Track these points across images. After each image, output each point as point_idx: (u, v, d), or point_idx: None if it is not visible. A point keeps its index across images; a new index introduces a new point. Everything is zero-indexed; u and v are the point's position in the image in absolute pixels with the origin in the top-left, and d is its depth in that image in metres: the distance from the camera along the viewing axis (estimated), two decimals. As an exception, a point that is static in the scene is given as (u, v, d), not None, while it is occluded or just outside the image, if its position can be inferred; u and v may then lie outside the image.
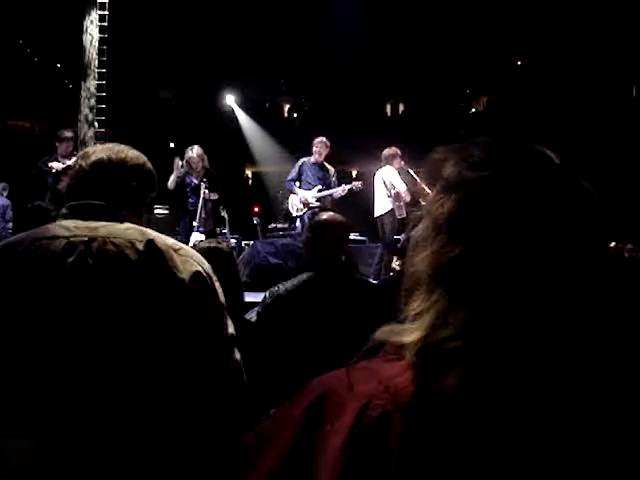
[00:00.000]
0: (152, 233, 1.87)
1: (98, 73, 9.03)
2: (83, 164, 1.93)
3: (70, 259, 1.74)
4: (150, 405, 1.72)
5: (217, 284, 1.91)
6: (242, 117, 14.09)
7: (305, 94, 14.29)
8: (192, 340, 1.79)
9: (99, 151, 1.98)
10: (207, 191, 8.06)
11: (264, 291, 3.20)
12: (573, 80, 11.63)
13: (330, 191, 8.99)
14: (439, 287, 0.86)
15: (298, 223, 9.21)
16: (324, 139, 9.09)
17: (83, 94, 8.98)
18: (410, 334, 0.86)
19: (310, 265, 3.12)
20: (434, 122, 13.83)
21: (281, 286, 3.06)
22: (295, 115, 14.65)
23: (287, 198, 9.39)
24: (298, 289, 3.01)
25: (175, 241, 1.91)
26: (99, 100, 9.06)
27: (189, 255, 1.88)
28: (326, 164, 9.16)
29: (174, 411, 1.76)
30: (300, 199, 9.01)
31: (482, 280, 0.85)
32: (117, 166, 1.93)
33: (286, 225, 10.09)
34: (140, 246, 1.80)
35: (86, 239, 1.78)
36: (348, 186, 9.05)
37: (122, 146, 2.02)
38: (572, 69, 11.54)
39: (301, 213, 9.07)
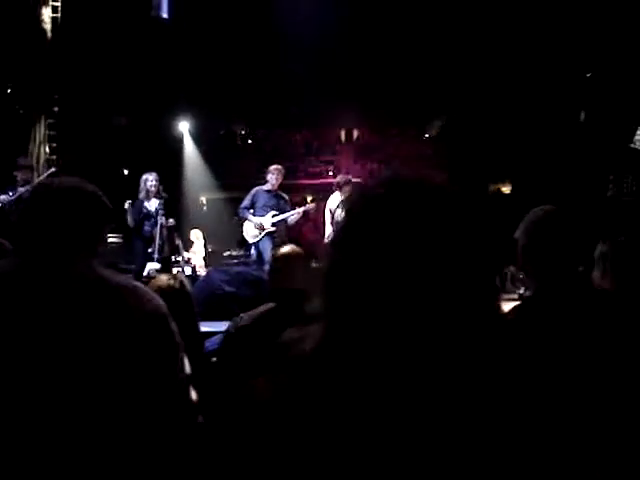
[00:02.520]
0: (104, 272, 1.82)
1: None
2: (36, 196, 1.88)
3: (27, 295, 1.70)
4: (102, 441, 1.68)
5: (172, 323, 1.87)
6: (190, 145, 14.07)
7: (257, 121, 14.31)
8: (147, 380, 1.75)
9: (54, 183, 1.94)
10: (164, 218, 8.00)
11: (219, 320, 3.23)
12: (524, 106, 11.84)
13: (285, 215, 9.01)
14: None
15: (253, 250, 9.18)
16: (279, 166, 9.12)
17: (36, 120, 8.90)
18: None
19: (271, 296, 3.21)
20: (390, 147, 13.99)
21: (244, 316, 3.09)
22: (249, 142, 14.64)
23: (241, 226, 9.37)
24: (259, 320, 3.03)
25: (128, 280, 1.87)
26: (51, 126, 8.96)
27: (142, 294, 1.83)
28: (280, 192, 9.18)
29: (126, 448, 1.71)
30: (255, 225, 8.99)
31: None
32: (72, 198, 1.88)
33: (241, 252, 10.04)
34: (91, 285, 1.76)
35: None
36: (302, 209, 9.08)
37: (77, 179, 1.98)
38: (521, 96, 11.76)
39: (257, 240, 9.04)
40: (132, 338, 1.73)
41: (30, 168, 8.22)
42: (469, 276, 0.93)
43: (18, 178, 7.94)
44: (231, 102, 12.99)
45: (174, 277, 3.02)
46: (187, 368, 1.90)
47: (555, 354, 2.07)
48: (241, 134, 14.49)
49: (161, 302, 1.86)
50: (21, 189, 7.73)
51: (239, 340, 3.02)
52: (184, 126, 13.76)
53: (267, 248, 8.78)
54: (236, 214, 9.41)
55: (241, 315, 3.13)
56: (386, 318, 0.90)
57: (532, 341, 2.04)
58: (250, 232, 9.09)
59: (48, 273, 1.76)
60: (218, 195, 14.10)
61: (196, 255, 10.59)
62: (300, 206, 9.42)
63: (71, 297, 1.73)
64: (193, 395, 1.91)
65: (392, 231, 0.92)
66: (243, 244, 9.56)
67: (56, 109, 9.42)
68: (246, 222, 9.14)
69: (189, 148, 13.98)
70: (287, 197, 9.23)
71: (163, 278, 2.96)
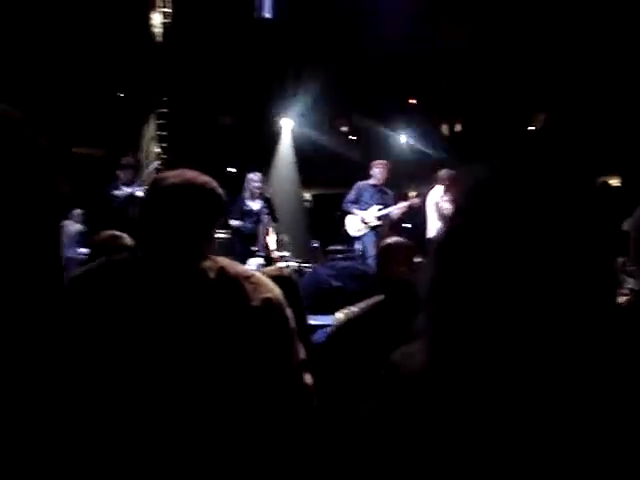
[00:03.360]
0: (223, 261, 1.89)
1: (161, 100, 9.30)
2: (157, 191, 1.96)
3: (151, 286, 1.78)
4: (223, 426, 1.74)
5: (287, 310, 1.92)
6: (293, 142, 14.19)
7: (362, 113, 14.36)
8: (264, 365, 1.81)
9: (172, 177, 2.01)
10: (267, 217, 8.15)
11: (326, 314, 3.23)
12: (632, 98, 11.42)
13: (389, 209, 8.99)
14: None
15: (357, 245, 9.21)
16: (384, 162, 9.13)
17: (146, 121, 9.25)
18: None
19: (380, 288, 3.18)
20: (492, 141, 13.74)
21: (353, 308, 3.10)
22: (355, 137, 14.72)
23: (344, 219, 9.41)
24: (369, 312, 3.04)
25: (245, 268, 1.94)
26: (161, 127, 9.28)
27: (259, 283, 1.90)
28: (384, 187, 9.18)
29: (246, 433, 1.77)
30: (359, 219, 9.02)
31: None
32: (192, 192, 1.95)
33: (345, 247, 10.09)
34: (212, 274, 1.83)
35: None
36: (407, 203, 9.05)
37: (194, 172, 2.05)
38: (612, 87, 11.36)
39: (361, 233, 9.07)
40: (251, 324, 1.80)
41: (133, 167, 8.52)
42: (591, 267, 0.90)
43: (121, 177, 8.26)
44: (334, 98, 13.08)
45: (282, 269, 3.10)
46: (302, 353, 1.95)
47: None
48: (344, 130, 14.58)
49: (277, 290, 1.92)
50: (126, 188, 8.03)
51: (349, 332, 3.04)
52: (287, 123, 13.93)
53: (371, 242, 8.80)
54: (340, 208, 9.46)
55: (350, 307, 3.15)
56: (506, 322, 0.88)
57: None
58: (353, 226, 9.13)
59: (172, 263, 1.85)
60: (322, 191, 14.24)
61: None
62: (404, 200, 9.40)
63: (193, 286, 1.81)
64: (308, 379, 1.96)
65: (512, 222, 0.90)
66: (347, 239, 9.60)
67: (165, 110, 9.75)
68: (349, 216, 9.18)
69: (293, 145, 14.14)
70: (391, 192, 9.23)
71: (272, 269, 3.03)
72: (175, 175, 2.03)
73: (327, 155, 13.99)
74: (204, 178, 2.05)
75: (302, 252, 10.58)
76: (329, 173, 14.02)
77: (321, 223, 12.54)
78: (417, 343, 1.03)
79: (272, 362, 1.83)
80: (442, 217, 8.73)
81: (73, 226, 9.84)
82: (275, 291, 1.91)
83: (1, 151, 1.27)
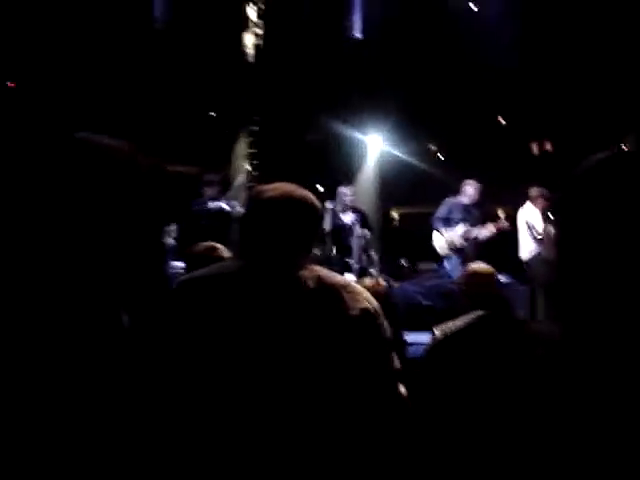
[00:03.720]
0: (321, 271, 1.94)
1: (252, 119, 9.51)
2: (258, 204, 2.03)
3: (253, 294, 1.84)
4: (321, 433, 1.78)
5: (384, 320, 1.95)
6: (380, 160, 14.19)
7: (449, 136, 14.29)
8: (361, 374, 1.84)
9: (271, 190, 2.07)
10: (360, 229, 8.20)
11: (416, 331, 3.26)
12: None
13: (476, 232, 8.90)
14: None
15: (446, 264, 9.15)
16: (474, 182, 9.07)
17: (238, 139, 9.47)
18: None
19: (470, 308, 3.21)
20: (580, 160, 13.41)
21: (450, 324, 3.12)
22: (441, 156, 14.65)
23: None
24: (468, 328, 3.05)
25: (343, 278, 1.98)
26: (252, 144, 9.48)
27: (356, 292, 1.93)
28: (473, 207, 9.11)
29: (342, 440, 1.80)
30: (446, 239, 8.96)
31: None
32: (291, 204, 2.01)
33: (434, 265, 10.02)
34: (311, 284, 1.87)
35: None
36: (495, 227, 8.93)
37: (292, 185, 2.11)
38: None
39: (446, 254, 9.01)
40: (348, 333, 1.83)
41: (218, 183, 8.71)
42: None
43: (207, 193, 8.46)
44: (421, 117, 13.07)
45: (378, 282, 3.12)
46: (397, 364, 1.97)
47: None
48: (433, 149, 14.54)
49: (373, 300, 1.95)
50: (211, 204, 8.22)
51: (448, 347, 3.06)
52: (375, 141, 13.96)
53: (456, 264, 8.74)
54: (430, 223, 9.41)
55: (447, 323, 3.17)
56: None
57: None
58: (440, 244, 9.07)
59: (272, 273, 1.90)
60: (409, 210, 14.19)
61: None
62: (492, 221, 9.28)
63: (293, 295, 1.85)
64: (403, 390, 1.98)
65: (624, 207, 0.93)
66: (436, 257, 9.54)
67: (256, 128, 9.94)
68: (437, 234, 9.12)
69: (380, 163, 14.16)
70: (478, 212, 9.14)
71: (368, 281, 3.06)
72: (274, 188, 2.09)
73: (414, 173, 13.95)
74: (302, 191, 2.10)
75: (389, 270, 10.58)
76: (416, 191, 13.98)
77: (408, 242, 12.49)
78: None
79: (368, 371, 1.86)
80: (534, 236, 8.59)
81: (167, 241, 10.13)
82: (372, 301, 1.95)
83: (118, 178, 1.41)
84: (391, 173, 14.03)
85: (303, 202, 2.04)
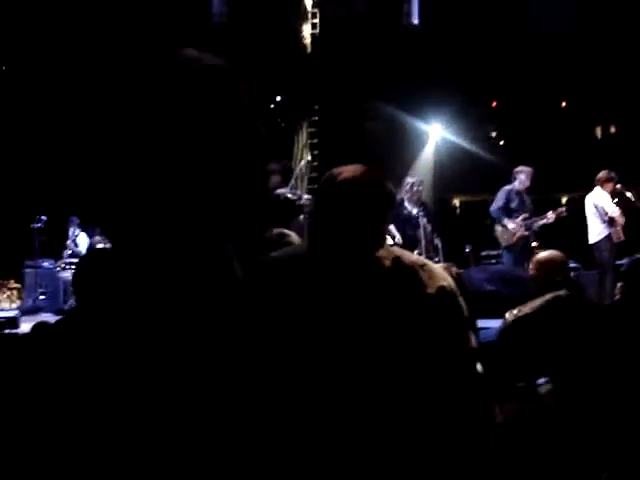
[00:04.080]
0: (397, 250, 1.96)
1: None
2: (331, 186, 2.05)
3: (331, 275, 1.87)
4: (400, 410, 1.79)
5: (460, 298, 1.96)
6: (441, 148, 14.10)
7: (505, 120, 14.13)
8: (439, 351, 1.85)
9: (344, 173, 2.09)
10: (425, 220, 8.19)
11: (482, 317, 3.25)
12: None
13: (536, 219, 8.82)
14: None
15: (508, 254, 9.06)
16: (528, 168, 8.97)
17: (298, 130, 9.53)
18: None
19: (542, 292, 3.20)
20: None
21: (523, 308, 3.11)
22: (502, 142, 14.48)
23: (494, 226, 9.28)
24: (540, 311, 3.04)
25: (419, 257, 2.00)
26: (312, 134, 9.53)
27: (433, 271, 1.94)
28: (525, 194, 9.03)
29: (421, 418, 1.82)
30: (508, 228, 8.88)
31: None
32: (364, 186, 2.03)
33: (498, 252, 9.94)
34: (387, 263, 1.89)
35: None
36: (554, 214, 8.83)
37: (364, 168, 2.12)
38: None
39: (509, 244, 8.93)
40: (426, 311, 1.85)
41: (279, 173, 8.78)
42: None
43: (271, 182, 8.55)
44: (481, 103, 12.95)
45: (448, 267, 3.13)
46: (474, 342, 1.98)
47: None
48: (492, 135, 14.39)
49: (450, 278, 1.96)
50: (276, 192, 8.29)
51: (522, 329, 3.05)
52: (435, 128, 13.88)
53: (519, 254, 8.68)
54: (489, 215, 9.34)
55: (519, 307, 3.15)
56: None
57: None
58: (502, 235, 9.00)
59: (349, 254, 1.93)
60: (469, 198, 14.09)
61: None
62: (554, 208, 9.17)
63: (371, 274, 1.88)
64: (479, 368, 1.98)
65: None
66: (497, 244, 9.46)
67: (316, 118, 9.99)
68: (499, 225, 9.04)
69: (439, 150, 14.08)
70: (530, 200, 9.07)
71: (439, 266, 3.07)
72: (347, 171, 2.11)
73: (473, 161, 13.84)
74: (375, 173, 2.12)
75: (453, 257, 10.53)
76: (475, 179, 13.86)
77: (470, 229, 12.41)
78: None
79: (446, 348, 1.87)
80: (602, 219, 8.46)
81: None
82: (449, 280, 1.95)
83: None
84: (450, 161, 13.94)
85: (376, 183, 2.06)
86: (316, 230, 2.10)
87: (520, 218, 8.83)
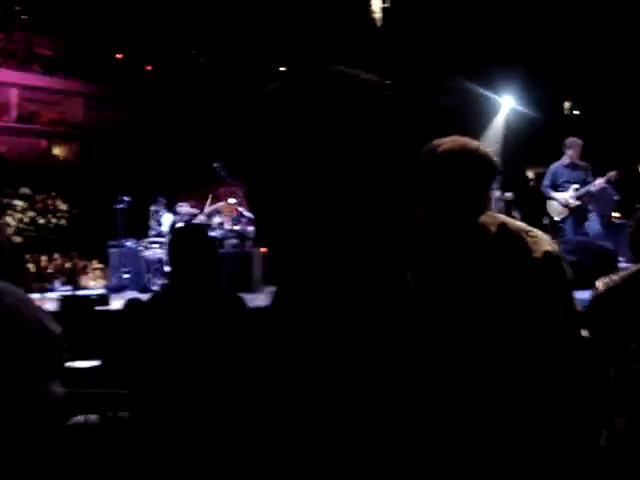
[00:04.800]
0: (502, 217, 2.01)
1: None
2: (434, 157, 2.11)
3: (443, 241, 1.95)
4: (507, 373, 1.85)
5: (564, 264, 2.00)
6: (515, 120, 13.90)
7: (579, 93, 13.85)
8: (545, 315, 1.90)
9: (445, 144, 2.15)
10: (501, 191, 8.14)
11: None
12: None
13: (587, 187, 8.70)
14: None
15: (565, 226, 8.99)
16: (576, 139, 8.84)
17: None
18: None
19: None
20: None
21: (613, 277, 3.08)
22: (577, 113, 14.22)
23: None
24: (630, 279, 3.01)
25: (524, 224, 2.04)
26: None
27: (538, 236, 1.99)
28: (579, 163, 8.87)
29: (526, 382, 1.87)
30: (560, 202, 8.82)
31: None
32: (466, 156, 2.08)
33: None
34: (493, 229, 1.95)
35: None
36: (603, 179, 8.71)
37: (465, 138, 2.18)
38: None
39: (563, 216, 8.87)
40: (533, 275, 1.90)
41: None
42: None
43: None
44: (554, 73, 12.71)
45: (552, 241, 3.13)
46: (578, 306, 2.02)
47: None
48: (568, 107, 14.14)
49: (555, 245, 2.01)
50: None
51: (614, 298, 3.03)
52: (507, 101, 13.71)
53: (575, 224, 8.64)
54: (540, 193, 9.28)
55: (610, 276, 3.12)
56: None
57: None
58: (555, 210, 8.95)
59: (455, 220, 1.99)
60: (545, 169, 13.86)
61: None
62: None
63: (477, 239, 1.94)
64: (584, 332, 2.02)
65: None
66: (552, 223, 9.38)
67: (390, 93, 10.00)
68: (550, 201, 9.00)
69: (512, 122, 13.90)
70: (587, 165, 8.89)
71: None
72: (448, 142, 2.16)
73: (548, 132, 13.61)
74: (476, 143, 2.17)
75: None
76: (549, 150, 13.64)
77: (544, 201, 12.24)
78: None
79: (553, 312, 1.92)
80: None
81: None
82: (554, 245, 2.00)
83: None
84: (524, 133, 13.76)
85: (477, 153, 2.11)
86: (422, 202, 2.16)
87: (571, 189, 8.76)
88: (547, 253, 1.93)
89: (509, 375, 1.84)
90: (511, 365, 1.85)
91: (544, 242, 1.96)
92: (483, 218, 1.98)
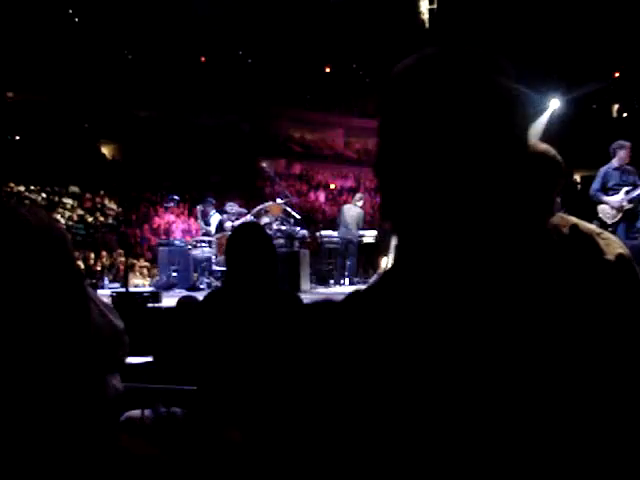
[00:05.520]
0: (573, 219, 2.01)
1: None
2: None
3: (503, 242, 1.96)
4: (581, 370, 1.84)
5: (637, 267, 1.99)
6: (560, 122, 13.76)
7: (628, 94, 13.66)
8: (618, 317, 1.89)
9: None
10: None
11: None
12: None
13: (639, 190, 8.59)
14: None
15: (617, 230, 8.88)
16: (626, 143, 8.72)
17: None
18: None
19: None
20: None
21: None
22: (625, 115, 14.02)
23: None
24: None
25: (595, 226, 2.04)
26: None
27: (610, 239, 1.99)
28: (628, 167, 8.76)
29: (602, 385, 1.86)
30: (611, 205, 8.70)
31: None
32: (534, 158, 2.08)
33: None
34: (565, 230, 1.95)
35: None
36: None
37: (535, 140, 2.18)
38: None
39: (616, 220, 8.76)
40: (606, 276, 1.89)
41: None
42: None
43: None
44: (600, 74, 12.58)
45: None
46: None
47: None
48: (616, 107, 13.96)
49: (625, 247, 2.00)
50: None
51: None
52: (554, 103, 13.59)
53: (627, 227, 8.52)
54: (589, 197, 9.17)
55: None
56: None
57: None
58: (607, 214, 8.83)
59: (524, 221, 1.99)
60: (590, 172, 13.72)
61: None
62: None
63: (549, 240, 1.94)
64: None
65: None
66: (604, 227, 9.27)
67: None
68: (600, 205, 8.89)
69: (558, 124, 13.76)
70: (634, 169, 8.76)
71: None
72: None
73: (596, 134, 13.47)
74: (543, 146, 2.17)
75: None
76: (597, 153, 13.51)
77: (592, 204, 12.12)
78: None
79: (627, 315, 1.91)
80: None
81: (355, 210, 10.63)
82: (625, 248, 1.99)
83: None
84: (570, 135, 13.62)
85: (545, 153, 2.11)
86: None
87: (622, 192, 8.65)
88: (620, 255, 1.93)
89: (581, 380, 1.84)
90: (583, 369, 1.84)
91: (616, 244, 1.96)
92: (554, 219, 1.98)
